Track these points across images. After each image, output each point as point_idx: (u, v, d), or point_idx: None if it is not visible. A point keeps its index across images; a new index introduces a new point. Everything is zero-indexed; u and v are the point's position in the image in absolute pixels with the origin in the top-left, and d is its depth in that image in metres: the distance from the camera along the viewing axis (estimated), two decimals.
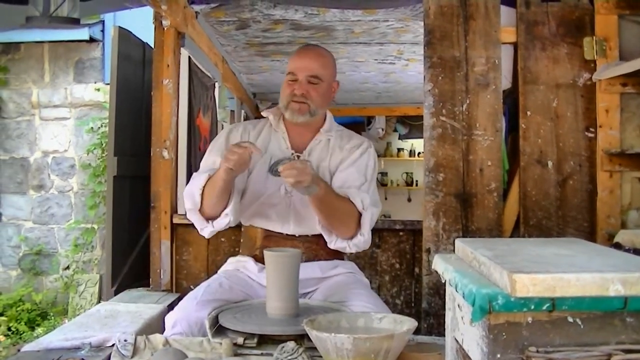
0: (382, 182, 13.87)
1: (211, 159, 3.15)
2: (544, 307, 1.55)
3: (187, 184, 3.16)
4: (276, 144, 3.22)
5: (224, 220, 3.03)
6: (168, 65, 4.46)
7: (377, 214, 3.10)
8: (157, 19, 4.46)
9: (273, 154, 3.17)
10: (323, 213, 2.96)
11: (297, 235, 3.15)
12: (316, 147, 3.21)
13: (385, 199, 13.74)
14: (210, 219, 3.06)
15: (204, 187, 2.97)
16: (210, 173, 2.97)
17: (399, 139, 13.55)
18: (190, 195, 3.03)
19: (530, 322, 1.59)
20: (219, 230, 3.09)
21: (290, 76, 3.11)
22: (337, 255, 3.24)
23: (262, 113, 3.42)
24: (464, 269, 1.89)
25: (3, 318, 7.37)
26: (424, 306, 3.64)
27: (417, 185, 13.58)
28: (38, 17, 3.17)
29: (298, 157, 3.17)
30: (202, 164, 3.22)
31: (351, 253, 3.19)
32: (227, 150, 2.85)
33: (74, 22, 3.26)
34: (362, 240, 3.05)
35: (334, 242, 3.06)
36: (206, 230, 3.08)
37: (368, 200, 3.03)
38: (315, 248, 3.16)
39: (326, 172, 3.15)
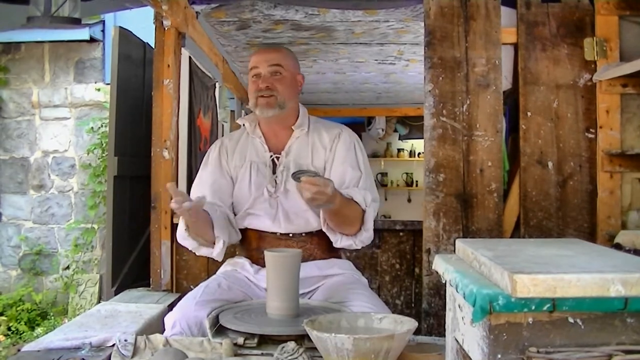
0: (382, 183, 13.86)
1: (197, 189, 3.24)
2: (545, 308, 1.55)
3: (187, 185, 3.19)
4: (254, 150, 3.26)
5: (219, 245, 3.04)
6: (169, 66, 4.46)
7: (376, 206, 3.13)
8: (158, 19, 4.46)
9: (252, 160, 3.22)
10: (333, 221, 3.00)
11: (290, 234, 3.16)
12: (294, 145, 3.23)
13: (385, 199, 13.74)
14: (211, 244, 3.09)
15: (185, 229, 3.05)
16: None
17: (399, 139, 13.53)
18: (182, 239, 3.11)
19: (530, 322, 1.59)
20: (222, 252, 3.09)
21: (254, 71, 3.14)
22: (333, 254, 3.27)
23: (237, 121, 3.46)
24: (465, 270, 1.89)
25: (3, 318, 7.38)
26: (424, 306, 3.65)
27: (417, 185, 13.57)
28: (39, 17, 3.17)
29: (277, 158, 3.21)
30: (192, 190, 3.28)
31: (351, 253, 3.19)
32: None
33: (75, 22, 3.26)
34: (367, 236, 3.08)
35: (340, 242, 3.09)
36: (214, 254, 3.09)
37: (370, 197, 3.05)
38: (310, 247, 3.17)
39: (311, 169, 3.15)
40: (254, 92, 3.13)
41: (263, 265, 2.88)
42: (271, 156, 3.22)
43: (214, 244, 3.03)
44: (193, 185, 3.31)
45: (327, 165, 3.19)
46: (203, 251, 3.08)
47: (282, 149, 3.22)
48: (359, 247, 3.14)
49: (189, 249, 3.11)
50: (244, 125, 3.33)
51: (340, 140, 3.23)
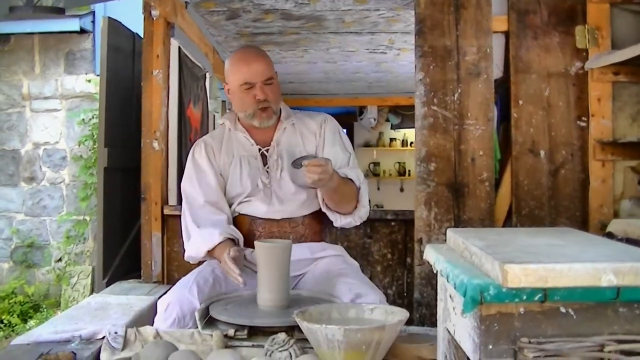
0: (375, 172, 13.88)
1: (194, 192, 3.22)
2: (536, 298, 1.54)
3: (177, 176, 3.18)
4: (240, 145, 3.27)
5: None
6: (158, 56, 4.44)
7: (366, 184, 3.20)
8: (147, 10, 4.44)
9: (241, 155, 3.24)
10: (333, 200, 3.08)
11: (282, 218, 3.19)
12: (282, 135, 3.26)
13: (378, 189, 13.75)
14: None
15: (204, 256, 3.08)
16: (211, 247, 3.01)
17: (391, 129, 13.51)
18: (195, 256, 3.11)
19: (522, 312, 1.57)
20: None
21: (246, 86, 3.10)
22: (323, 238, 3.34)
23: (218, 122, 3.47)
24: (456, 260, 1.88)
25: None
26: (416, 296, 3.64)
27: (409, 175, 13.57)
28: (22, 7, 3.14)
29: (267, 150, 3.23)
30: (186, 196, 3.26)
31: (342, 242, 3.21)
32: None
33: (59, 12, 3.24)
34: (365, 211, 3.17)
35: (339, 220, 3.16)
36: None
37: (362, 175, 3.15)
38: (300, 228, 3.21)
39: (304, 154, 3.18)
40: (252, 105, 3.11)
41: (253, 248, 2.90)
42: (260, 150, 3.24)
43: None
44: (190, 189, 3.25)
45: (318, 150, 3.25)
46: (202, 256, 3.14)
47: (269, 141, 3.25)
48: (358, 223, 3.19)
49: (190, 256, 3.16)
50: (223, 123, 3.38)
51: (327, 125, 3.30)
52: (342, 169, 3.07)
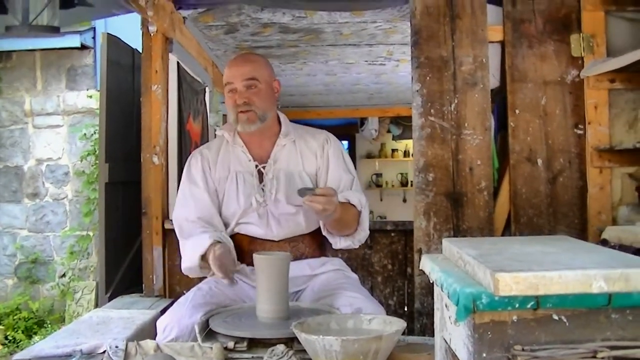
0: (377, 183, 13.87)
1: (187, 208, 3.19)
2: (529, 306, 1.55)
3: (177, 191, 3.17)
4: (237, 160, 3.22)
5: None
6: (156, 71, 4.47)
7: (367, 205, 3.15)
8: (144, 25, 4.47)
9: (237, 170, 3.20)
10: (335, 228, 3.04)
11: (281, 239, 3.16)
12: (280, 152, 3.21)
13: (381, 200, 13.74)
14: None
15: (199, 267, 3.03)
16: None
17: (392, 139, 13.52)
18: (191, 265, 3.06)
19: (515, 320, 1.58)
20: None
21: (229, 87, 3.09)
22: (324, 252, 3.30)
23: (216, 132, 3.44)
24: (450, 269, 1.89)
25: (0, 327, 7.36)
26: (417, 306, 3.64)
27: (412, 185, 13.50)
28: (17, 27, 3.16)
29: (264, 167, 3.19)
30: (178, 212, 3.24)
31: (343, 254, 3.21)
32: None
33: (54, 31, 3.25)
34: (364, 235, 3.14)
35: (339, 243, 3.13)
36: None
37: (364, 198, 3.08)
38: (301, 247, 3.19)
39: (304, 176, 3.17)
40: (232, 108, 3.09)
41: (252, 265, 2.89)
42: (257, 166, 3.19)
43: None
44: (183, 200, 3.24)
45: (321, 172, 3.20)
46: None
47: (266, 157, 3.19)
48: (357, 246, 3.18)
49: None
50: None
51: (330, 146, 3.23)
52: (344, 193, 3.04)
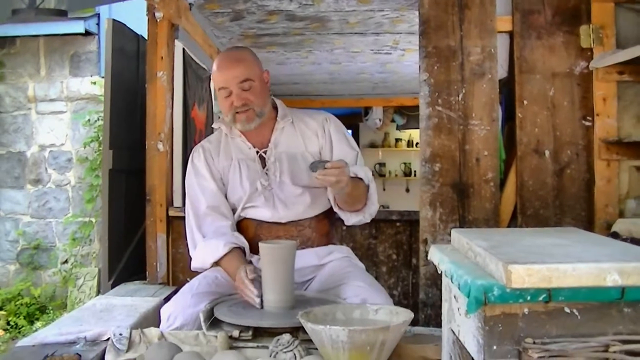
0: (381, 173, 13.88)
1: (196, 198, 3.19)
2: (540, 298, 1.53)
3: (182, 178, 3.15)
4: (237, 148, 3.22)
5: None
6: (162, 58, 4.44)
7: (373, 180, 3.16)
8: (150, 11, 4.44)
9: (239, 158, 3.19)
10: (347, 202, 3.02)
11: (289, 221, 3.14)
12: (280, 136, 3.20)
13: (384, 189, 13.74)
14: None
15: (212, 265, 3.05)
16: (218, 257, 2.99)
17: (396, 129, 13.50)
18: (202, 264, 3.08)
19: (526, 313, 1.57)
20: None
21: (224, 92, 3.05)
22: (331, 239, 3.29)
23: (213, 127, 3.41)
24: (460, 260, 1.87)
25: (2, 312, 7.36)
26: (422, 297, 3.63)
27: (415, 175, 13.55)
28: (24, 10, 3.13)
29: (265, 152, 3.18)
30: (189, 202, 3.23)
31: (348, 243, 3.18)
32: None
33: (62, 14, 3.23)
34: (375, 209, 3.12)
35: (350, 219, 3.11)
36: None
37: (369, 172, 3.09)
38: (307, 231, 3.16)
39: (307, 156, 3.16)
40: (230, 110, 3.05)
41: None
42: (257, 152, 3.18)
43: None
44: (192, 194, 3.22)
45: (325, 151, 3.19)
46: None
47: (266, 143, 3.19)
48: (368, 220, 3.15)
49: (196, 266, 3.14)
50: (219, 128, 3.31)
51: (330, 124, 3.23)
52: (351, 167, 2.99)
